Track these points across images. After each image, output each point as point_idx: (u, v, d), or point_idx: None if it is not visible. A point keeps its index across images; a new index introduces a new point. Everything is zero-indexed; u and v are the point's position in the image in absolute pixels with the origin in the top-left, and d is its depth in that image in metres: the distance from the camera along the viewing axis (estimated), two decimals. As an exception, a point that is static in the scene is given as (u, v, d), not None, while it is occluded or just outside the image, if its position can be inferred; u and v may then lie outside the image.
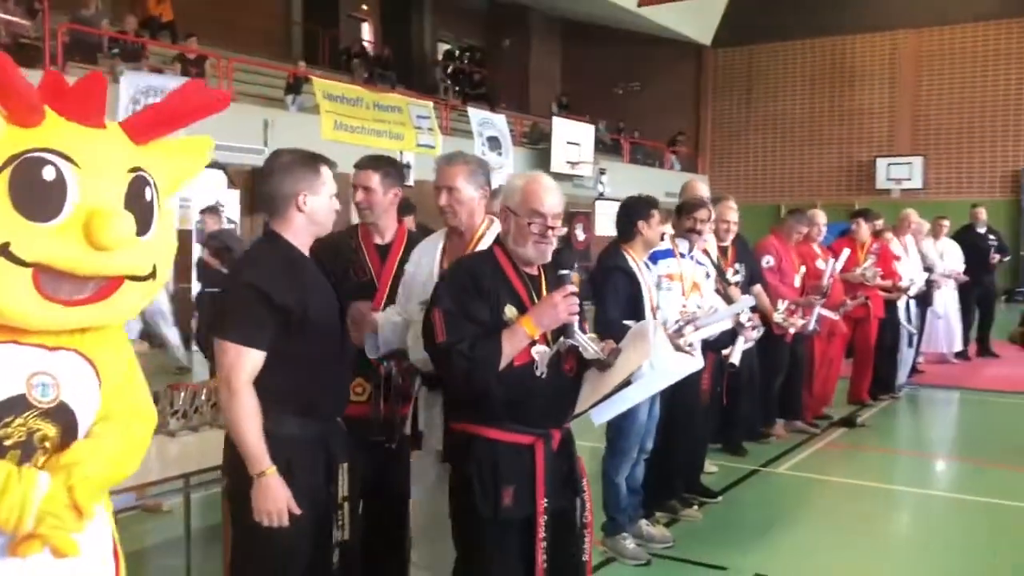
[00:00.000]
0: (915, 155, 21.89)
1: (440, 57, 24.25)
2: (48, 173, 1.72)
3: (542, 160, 18.56)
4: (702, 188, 5.38)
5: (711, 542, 4.45)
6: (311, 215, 2.58)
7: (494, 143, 17.05)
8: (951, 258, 9.26)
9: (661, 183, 22.78)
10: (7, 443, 1.71)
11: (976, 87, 21.31)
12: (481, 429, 2.60)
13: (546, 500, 2.60)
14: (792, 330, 6.12)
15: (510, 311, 2.58)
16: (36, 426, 1.77)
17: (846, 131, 23.14)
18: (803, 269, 6.29)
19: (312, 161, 2.61)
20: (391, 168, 3.38)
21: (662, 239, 4.46)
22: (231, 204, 11.54)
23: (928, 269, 8.70)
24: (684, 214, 4.69)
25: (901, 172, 22.09)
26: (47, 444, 1.79)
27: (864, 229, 7.16)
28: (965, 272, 9.43)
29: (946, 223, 9.43)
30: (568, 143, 18.73)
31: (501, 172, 16.14)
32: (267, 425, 2.44)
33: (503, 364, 2.52)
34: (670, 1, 20.98)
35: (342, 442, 2.65)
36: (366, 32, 23.47)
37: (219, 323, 2.49)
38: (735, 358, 4.84)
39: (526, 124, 20.92)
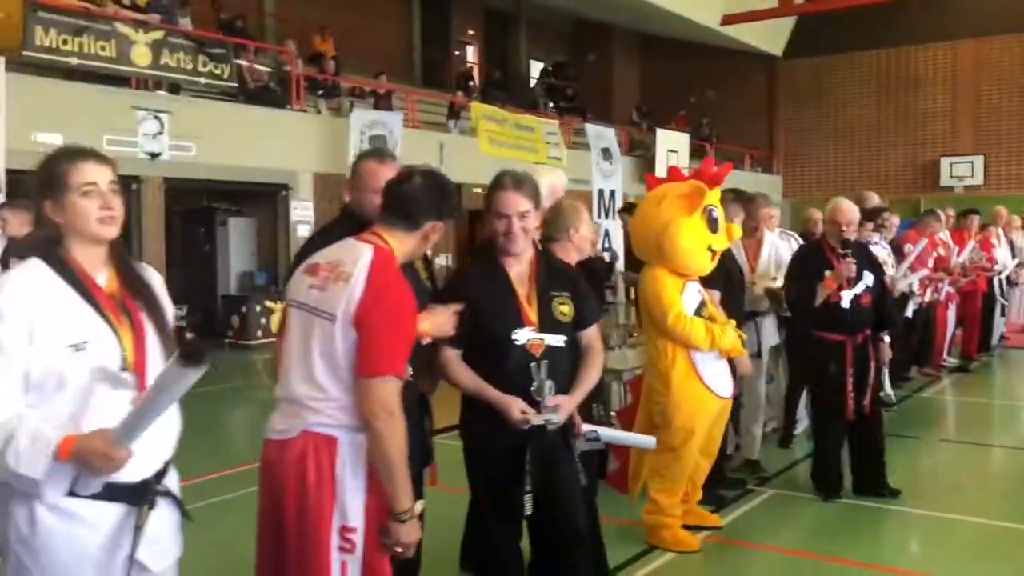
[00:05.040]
0: (976, 154, 23.96)
1: (535, 74, 26.71)
2: (715, 214, 4.24)
3: (646, 166, 21.00)
4: (875, 198, 7.84)
5: (904, 425, 6.93)
6: None
7: (606, 153, 19.48)
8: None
9: (742, 182, 25.11)
10: (707, 315, 4.23)
11: (1031, 91, 23.37)
12: (817, 333, 5.11)
13: (852, 369, 5.07)
14: (927, 297, 8.52)
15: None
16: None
17: (911, 133, 25.22)
18: (935, 254, 8.69)
19: None
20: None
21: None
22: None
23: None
24: (874, 217, 7.15)
25: (963, 170, 24.18)
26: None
27: (975, 223, 9.60)
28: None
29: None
30: (669, 151, 21.12)
31: (613, 177, 18.69)
32: None
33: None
34: (750, 21, 23.27)
35: None
36: (471, 54, 26.03)
37: None
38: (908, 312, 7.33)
39: (623, 135, 23.35)
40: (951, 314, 9.62)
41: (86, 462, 1.96)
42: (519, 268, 3.02)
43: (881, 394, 7.44)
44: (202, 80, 11.88)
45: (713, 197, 4.25)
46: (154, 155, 11.07)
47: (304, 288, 2.42)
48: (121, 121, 10.79)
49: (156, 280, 2.30)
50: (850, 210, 5.23)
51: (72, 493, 2.02)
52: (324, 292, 2.35)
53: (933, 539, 4.74)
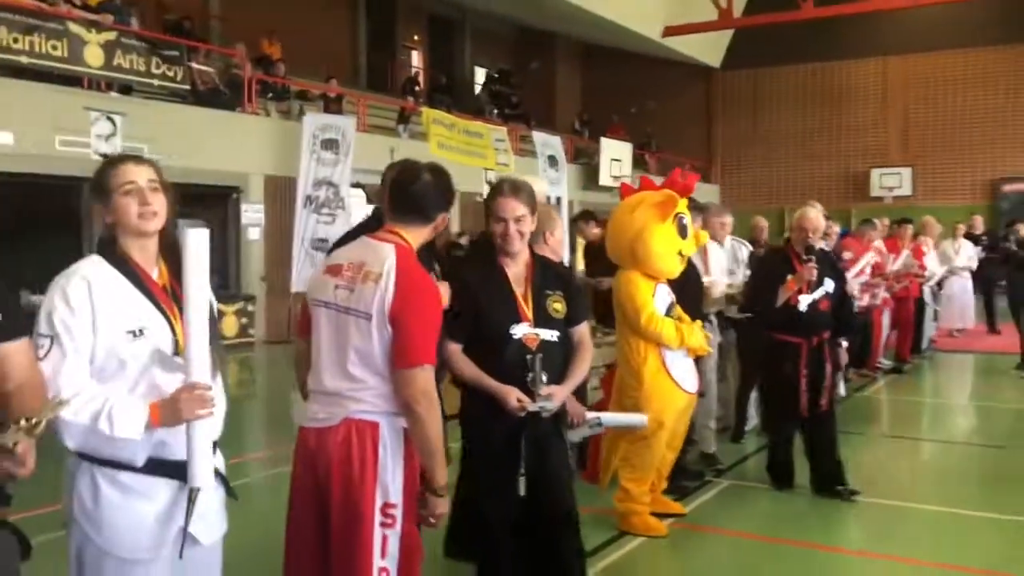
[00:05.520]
0: (905, 166, 24.93)
1: (479, 81, 26.95)
2: (685, 221, 4.54)
3: (591, 175, 21.43)
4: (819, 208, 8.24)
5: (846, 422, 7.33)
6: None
7: (552, 160, 19.82)
8: (965, 254, 12.23)
9: (682, 192, 25.70)
10: (675, 316, 4.52)
11: (957, 105, 24.39)
12: (774, 334, 5.42)
13: (807, 369, 5.40)
14: (865, 301, 8.98)
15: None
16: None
17: (842, 144, 26.11)
18: (873, 261, 9.17)
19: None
20: None
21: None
22: (376, 217, 14.21)
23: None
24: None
25: (892, 181, 25.12)
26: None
27: (909, 232, 10.13)
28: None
29: (962, 226, 12.40)
30: (612, 159, 21.57)
31: (559, 185, 19.01)
32: None
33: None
34: (689, 33, 23.87)
35: None
36: (416, 59, 26.17)
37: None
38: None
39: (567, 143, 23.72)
40: (886, 318, 10.14)
41: (176, 408, 2.16)
42: (516, 268, 3.26)
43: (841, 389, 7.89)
44: (155, 82, 11.87)
45: (682, 205, 4.54)
46: (107, 156, 11.00)
47: (330, 289, 2.62)
48: (73, 122, 10.74)
49: None
50: (817, 217, 5.52)
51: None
52: (353, 292, 2.55)
53: (877, 523, 5.09)
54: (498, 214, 3.20)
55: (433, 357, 2.48)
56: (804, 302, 5.35)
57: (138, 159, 2.39)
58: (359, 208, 14.06)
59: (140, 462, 2.18)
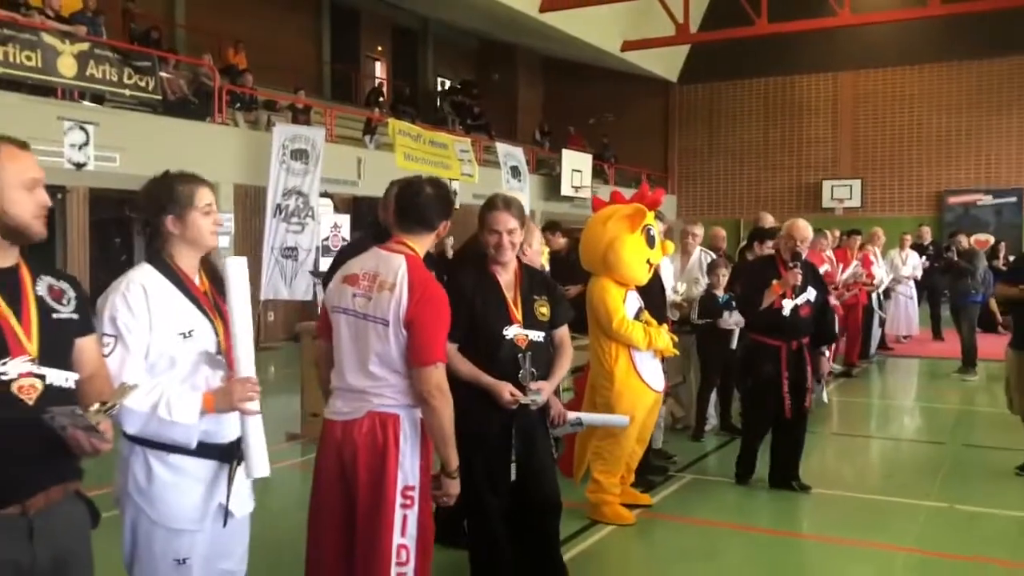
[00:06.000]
0: (855, 178, 25.74)
1: (442, 91, 27.26)
2: (652, 232, 4.93)
3: (553, 185, 21.87)
4: (770, 219, 8.70)
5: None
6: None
7: (515, 171, 20.23)
8: (911, 264, 12.82)
9: (640, 203, 26.23)
10: (644, 320, 4.90)
11: (905, 120, 25.25)
12: (755, 337, 5.81)
13: (788, 372, 5.77)
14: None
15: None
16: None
17: (795, 157, 26.87)
18: (823, 270, 9.65)
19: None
20: None
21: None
22: (344, 225, 14.45)
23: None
24: (771, 236, 7.99)
25: (843, 193, 25.91)
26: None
27: (857, 243, 10.66)
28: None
29: (909, 237, 13.00)
30: (573, 170, 22.02)
31: (521, 195, 19.37)
32: None
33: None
34: (648, 48, 24.44)
35: None
36: (379, 70, 26.42)
37: None
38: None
39: (529, 154, 24.13)
40: (835, 325, 10.63)
41: (228, 397, 2.48)
42: (507, 276, 3.61)
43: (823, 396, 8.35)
44: (127, 92, 12.03)
45: (650, 218, 4.93)
46: (79, 165, 11.17)
47: (348, 296, 2.95)
48: (46, 131, 10.85)
49: None
50: (805, 228, 5.82)
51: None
52: (370, 300, 2.88)
53: (828, 511, 5.52)
54: (493, 226, 3.54)
55: (444, 355, 2.82)
56: (787, 307, 5.65)
57: (206, 182, 2.71)
58: (327, 217, 14.30)
59: (193, 444, 2.48)
